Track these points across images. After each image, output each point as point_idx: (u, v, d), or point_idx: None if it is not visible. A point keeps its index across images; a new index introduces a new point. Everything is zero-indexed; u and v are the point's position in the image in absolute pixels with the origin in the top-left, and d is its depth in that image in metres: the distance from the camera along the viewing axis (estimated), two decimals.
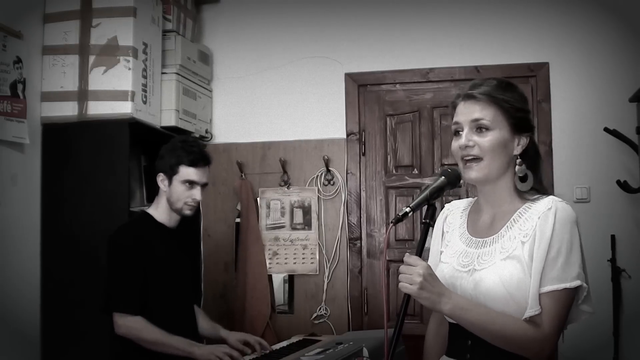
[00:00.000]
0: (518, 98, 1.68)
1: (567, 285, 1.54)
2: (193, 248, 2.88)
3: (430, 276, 1.53)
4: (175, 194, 2.58)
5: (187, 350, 2.43)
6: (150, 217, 2.63)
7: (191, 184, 2.59)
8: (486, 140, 1.63)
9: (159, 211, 2.63)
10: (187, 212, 2.63)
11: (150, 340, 2.42)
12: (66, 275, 3.08)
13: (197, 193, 2.60)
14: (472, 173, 1.65)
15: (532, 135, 1.70)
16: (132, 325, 2.43)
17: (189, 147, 2.62)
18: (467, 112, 1.66)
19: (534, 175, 1.68)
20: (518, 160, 1.66)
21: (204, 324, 2.79)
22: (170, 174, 2.58)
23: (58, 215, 3.13)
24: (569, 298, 1.56)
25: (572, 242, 1.56)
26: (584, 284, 1.56)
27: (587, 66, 3.60)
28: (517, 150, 1.66)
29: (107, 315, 2.49)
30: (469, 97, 1.67)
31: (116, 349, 2.54)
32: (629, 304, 3.40)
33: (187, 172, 2.57)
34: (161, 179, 2.61)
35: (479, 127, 1.64)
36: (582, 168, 3.55)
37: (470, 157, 1.64)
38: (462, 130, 1.66)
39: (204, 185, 2.64)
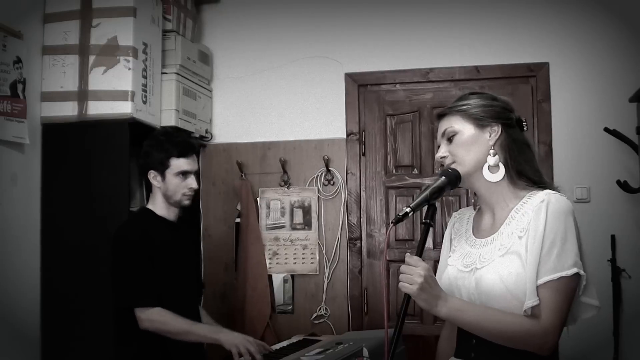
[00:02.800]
0: (480, 100, 1.74)
1: (563, 273, 1.54)
2: (194, 243, 2.89)
3: (430, 278, 1.54)
4: (172, 187, 2.58)
5: (214, 337, 2.45)
6: (151, 212, 2.63)
7: (185, 174, 2.59)
8: (455, 144, 1.72)
9: (158, 207, 2.63)
10: (186, 202, 2.64)
11: (177, 330, 2.43)
12: (66, 275, 3.08)
13: (192, 182, 2.62)
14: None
15: (507, 124, 1.72)
16: (155, 318, 2.42)
17: (175, 138, 2.62)
18: (439, 129, 1.77)
19: (522, 164, 1.70)
20: (491, 151, 1.69)
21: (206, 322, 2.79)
22: (162, 169, 2.58)
23: (58, 215, 3.13)
24: (568, 287, 1.55)
25: (566, 232, 1.56)
26: (582, 272, 1.56)
27: (587, 66, 3.60)
28: (492, 140, 1.70)
29: (127, 310, 2.46)
30: (438, 117, 1.79)
31: (121, 348, 2.54)
32: (629, 304, 3.40)
33: (178, 163, 2.58)
34: (153, 176, 2.60)
35: (449, 138, 1.73)
36: (582, 168, 3.55)
37: (446, 166, 1.72)
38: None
39: (196, 173, 2.66)
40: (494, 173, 1.68)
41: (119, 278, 2.51)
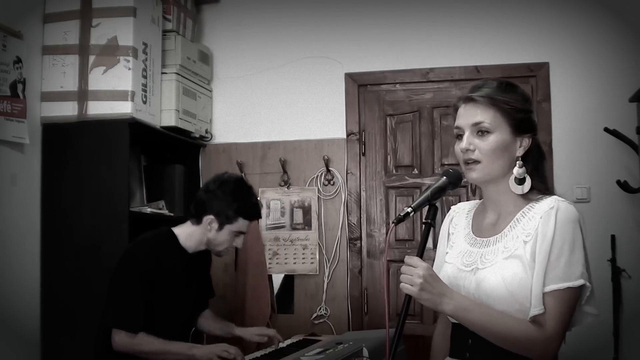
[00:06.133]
0: (519, 98, 1.68)
1: (571, 284, 1.53)
2: (207, 268, 2.84)
3: (430, 277, 1.53)
4: (222, 240, 2.54)
5: (188, 353, 2.41)
6: (175, 239, 2.55)
7: (240, 234, 2.56)
8: (487, 143, 1.63)
9: (189, 240, 2.55)
10: (223, 255, 2.63)
11: (151, 351, 2.39)
12: (66, 276, 3.08)
13: (240, 242, 2.59)
14: (472, 174, 1.66)
15: (536, 136, 1.69)
16: (130, 341, 2.36)
17: (249, 197, 2.57)
18: (468, 116, 1.66)
19: (537, 176, 1.67)
20: (519, 162, 1.64)
21: (215, 324, 2.79)
22: (224, 221, 2.51)
23: (58, 215, 3.13)
24: (573, 297, 1.55)
25: (574, 241, 1.55)
26: (588, 284, 1.55)
27: (587, 66, 3.60)
28: (520, 152, 1.65)
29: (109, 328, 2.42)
30: (469, 100, 1.67)
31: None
32: (629, 304, 3.40)
33: (243, 224, 2.54)
34: (210, 221, 2.52)
35: (480, 130, 1.64)
36: (582, 168, 3.55)
37: (470, 161, 1.65)
38: (464, 134, 1.66)
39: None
40: (519, 185, 1.64)
41: (110, 295, 2.44)
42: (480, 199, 1.83)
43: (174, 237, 2.55)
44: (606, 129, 3.41)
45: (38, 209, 3.13)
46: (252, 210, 2.56)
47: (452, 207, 1.88)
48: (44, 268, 3.12)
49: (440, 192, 1.62)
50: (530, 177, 1.66)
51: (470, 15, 3.73)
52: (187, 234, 2.56)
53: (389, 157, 3.80)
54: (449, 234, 1.82)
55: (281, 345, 2.73)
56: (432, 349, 1.89)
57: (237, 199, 2.52)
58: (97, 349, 2.49)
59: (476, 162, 1.64)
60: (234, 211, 2.50)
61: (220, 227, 2.52)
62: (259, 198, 3.81)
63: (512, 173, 1.65)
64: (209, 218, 2.52)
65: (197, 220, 2.55)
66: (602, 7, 3.58)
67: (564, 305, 1.54)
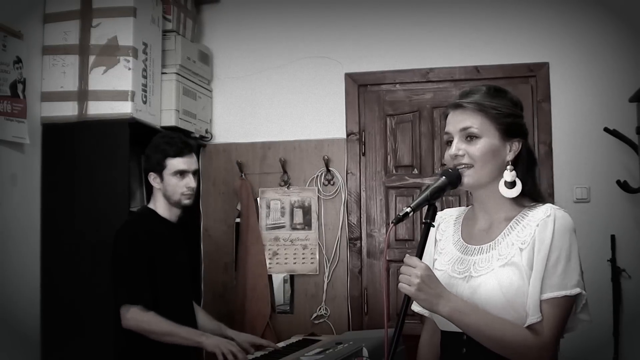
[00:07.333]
0: (507, 103, 1.68)
1: (567, 292, 1.53)
2: (193, 245, 2.91)
3: (428, 277, 1.53)
4: (170, 188, 2.62)
5: (196, 340, 2.47)
6: (154, 212, 2.66)
7: (182, 173, 2.63)
8: (476, 148, 1.63)
9: (159, 207, 2.66)
10: (186, 201, 2.66)
11: (160, 331, 2.44)
12: (66, 275, 3.08)
13: (190, 181, 2.65)
14: (464, 179, 1.65)
15: (526, 140, 1.69)
16: (140, 317, 2.44)
17: (170, 139, 2.67)
18: (456, 122, 1.67)
19: (528, 181, 1.67)
20: (509, 167, 1.64)
21: (207, 322, 2.80)
22: (159, 169, 2.62)
23: (58, 215, 3.13)
24: (569, 305, 1.56)
25: (570, 250, 1.56)
26: (583, 292, 1.56)
27: (587, 66, 3.60)
28: (510, 156, 1.65)
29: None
30: (457, 106, 1.68)
31: (121, 344, 2.55)
32: (629, 304, 3.40)
33: (174, 163, 2.62)
34: (153, 178, 2.65)
35: (468, 136, 1.64)
36: (582, 168, 3.55)
37: (462, 166, 1.64)
38: (453, 140, 1.67)
39: (195, 173, 2.68)
40: (510, 189, 1.64)
41: (113, 275, 2.55)
42: (467, 206, 1.83)
43: (152, 211, 2.67)
44: (606, 129, 3.42)
45: (38, 209, 3.13)
46: (175, 148, 2.63)
47: (438, 213, 1.83)
48: (44, 268, 3.11)
49: (439, 192, 1.61)
50: (521, 182, 1.65)
51: (470, 15, 3.73)
52: (156, 202, 2.67)
53: (389, 157, 3.80)
54: (436, 240, 1.81)
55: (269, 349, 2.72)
56: (418, 358, 1.86)
57: (159, 145, 2.64)
58: (116, 333, 2.55)
59: (468, 166, 1.64)
60: (161, 155, 2.62)
61: (161, 177, 2.63)
62: (258, 198, 3.83)
63: (502, 177, 1.65)
64: (150, 176, 2.65)
65: (149, 185, 2.70)
66: (602, 7, 3.58)
67: (560, 313, 1.54)
